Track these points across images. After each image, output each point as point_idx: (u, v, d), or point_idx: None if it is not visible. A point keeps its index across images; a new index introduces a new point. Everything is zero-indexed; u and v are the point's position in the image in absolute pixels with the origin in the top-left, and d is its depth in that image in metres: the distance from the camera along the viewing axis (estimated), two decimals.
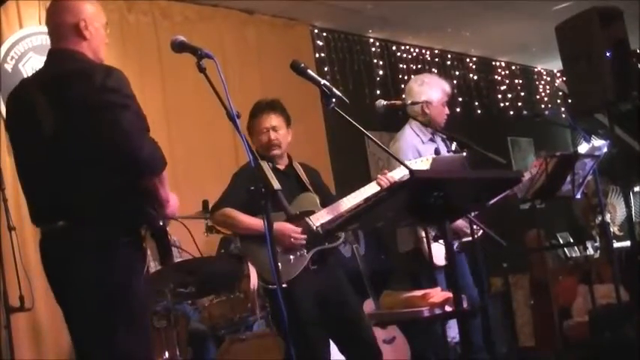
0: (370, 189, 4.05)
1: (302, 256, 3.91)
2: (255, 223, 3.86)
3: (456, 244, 4.51)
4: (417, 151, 4.61)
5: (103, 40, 3.03)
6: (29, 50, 5.34)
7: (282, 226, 3.85)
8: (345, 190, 4.21)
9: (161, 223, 2.76)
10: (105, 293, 2.65)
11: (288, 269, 3.86)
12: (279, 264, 3.74)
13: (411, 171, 2.72)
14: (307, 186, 4.15)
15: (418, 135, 4.75)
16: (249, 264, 4.54)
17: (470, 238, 4.38)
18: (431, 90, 4.80)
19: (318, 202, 4.09)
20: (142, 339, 2.75)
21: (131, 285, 2.70)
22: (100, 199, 2.70)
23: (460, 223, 4.37)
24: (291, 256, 3.89)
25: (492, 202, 4.21)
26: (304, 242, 3.90)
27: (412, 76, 5.84)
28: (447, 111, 4.86)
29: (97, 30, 2.97)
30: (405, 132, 4.79)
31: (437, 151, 4.49)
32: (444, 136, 4.72)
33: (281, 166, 4.16)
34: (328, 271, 4.05)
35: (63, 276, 2.74)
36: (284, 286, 3.71)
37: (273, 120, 4.13)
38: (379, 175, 4.09)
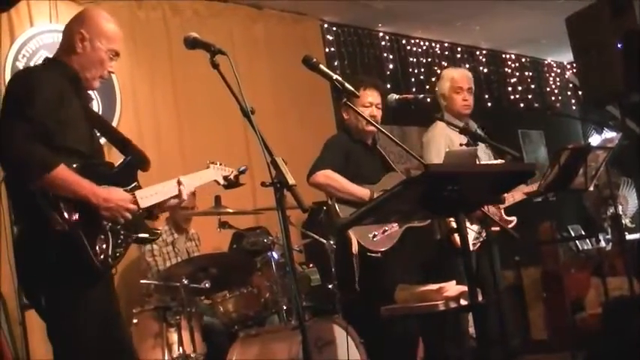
0: None
1: (395, 230, 3.94)
2: (357, 189, 3.95)
3: (482, 233, 4.51)
4: (451, 139, 4.61)
5: (100, 63, 2.99)
6: (40, 48, 5.35)
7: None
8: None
9: (59, 227, 2.75)
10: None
11: (384, 240, 3.93)
12: (375, 233, 3.91)
13: (425, 165, 2.72)
14: (392, 165, 4.16)
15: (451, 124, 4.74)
16: (349, 231, 4.51)
17: (498, 228, 4.40)
18: (441, 82, 4.93)
19: None
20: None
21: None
22: (20, 205, 2.90)
23: (492, 209, 4.39)
24: (386, 228, 3.91)
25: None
26: None
27: (422, 70, 5.86)
28: (462, 97, 4.86)
29: (96, 49, 2.95)
30: (438, 123, 4.78)
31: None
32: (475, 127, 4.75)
33: (369, 142, 4.22)
34: (404, 250, 4.12)
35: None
36: (378, 255, 3.86)
37: (377, 97, 4.14)
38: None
